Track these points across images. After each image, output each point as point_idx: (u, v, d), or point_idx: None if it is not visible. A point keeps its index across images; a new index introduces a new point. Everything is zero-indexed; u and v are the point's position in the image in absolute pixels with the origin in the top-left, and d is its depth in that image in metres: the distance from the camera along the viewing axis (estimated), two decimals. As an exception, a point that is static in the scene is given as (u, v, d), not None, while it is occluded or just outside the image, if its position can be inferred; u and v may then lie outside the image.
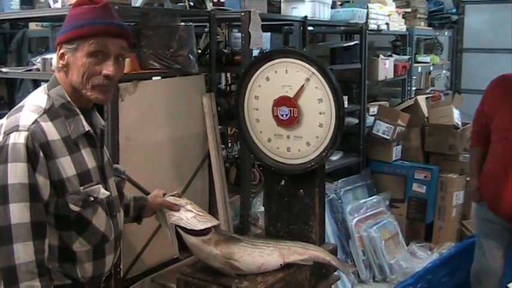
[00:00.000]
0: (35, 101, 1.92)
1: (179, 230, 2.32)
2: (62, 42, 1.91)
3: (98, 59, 1.89)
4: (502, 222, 3.51)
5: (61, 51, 1.92)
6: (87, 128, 1.94)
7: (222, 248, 2.34)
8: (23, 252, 1.76)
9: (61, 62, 1.92)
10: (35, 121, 1.83)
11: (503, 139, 3.48)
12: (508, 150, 3.43)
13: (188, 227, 2.31)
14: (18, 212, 1.76)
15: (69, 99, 1.93)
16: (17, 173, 1.77)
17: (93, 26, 1.88)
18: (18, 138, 1.79)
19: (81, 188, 1.89)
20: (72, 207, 1.87)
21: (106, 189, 2.00)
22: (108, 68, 1.90)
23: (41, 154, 1.80)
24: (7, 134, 1.81)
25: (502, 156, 3.48)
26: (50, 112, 1.88)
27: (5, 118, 1.91)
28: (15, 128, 1.81)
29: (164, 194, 2.41)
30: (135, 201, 2.39)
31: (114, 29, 1.92)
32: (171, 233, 2.35)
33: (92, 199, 1.92)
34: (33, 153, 1.79)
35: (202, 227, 2.32)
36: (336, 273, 2.70)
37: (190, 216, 2.33)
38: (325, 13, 4.91)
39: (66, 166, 1.86)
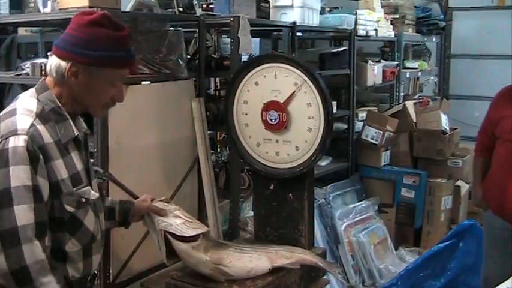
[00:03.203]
0: (26, 105, 1.94)
1: (168, 236, 2.32)
2: (80, 63, 1.91)
3: (114, 86, 1.99)
4: (509, 228, 3.54)
5: (75, 69, 1.92)
6: (76, 132, 1.98)
7: (211, 254, 2.34)
8: (31, 252, 1.79)
9: (73, 79, 1.93)
10: (32, 124, 1.86)
11: (506, 141, 3.54)
12: (511, 151, 3.49)
13: (178, 233, 2.31)
14: (24, 214, 1.79)
15: (59, 104, 1.96)
16: (19, 175, 1.80)
17: (120, 58, 1.95)
18: (18, 142, 1.82)
19: (74, 189, 1.93)
20: (68, 207, 1.91)
21: None
22: (121, 97, 2.03)
23: (41, 156, 1.84)
24: (5, 138, 1.84)
25: (505, 157, 3.54)
26: (41, 116, 1.91)
27: None
28: (14, 132, 1.84)
29: (152, 200, 2.42)
30: (121, 205, 2.40)
31: (133, 61, 2.05)
32: (159, 239, 2.34)
33: (84, 200, 1.96)
34: (34, 155, 1.82)
35: (192, 234, 2.32)
36: (325, 277, 2.71)
37: (179, 222, 2.33)
38: (314, 19, 4.92)
39: (60, 168, 1.90)
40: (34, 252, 1.79)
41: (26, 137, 1.82)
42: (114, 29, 1.94)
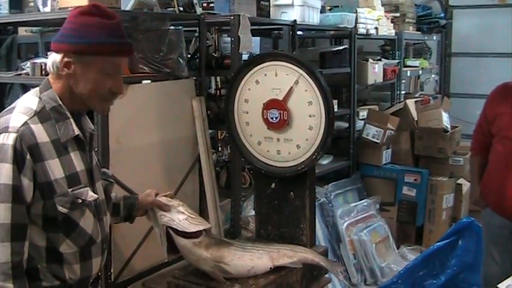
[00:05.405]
0: (26, 103, 1.92)
1: (170, 231, 2.31)
2: (72, 52, 1.89)
3: (109, 77, 1.92)
4: (508, 225, 3.53)
5: (67, 59, 1.89)
6: (76, 131, 1.94)
7: (212, 252, 2.34)
8: None
9: (66, 70, 1.90)
10: (25, 123, 1.84)
11: (504, 138, 3.52)
12: (509, 148, 3.47)
13: (180, 229, 2.30)
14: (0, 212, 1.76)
15: (60, 103, 1.93)
16: (2, 173, 1.77)
17: (113, 45, 1.90)
18: (7, 140, 1.79)
19: (70, 190, 1.89)
20: (60, 208, 1.87)
21: (94, 192, 2.00)
22: (119, 88, 1.96)
23: (28, 156, 1.80)
24: None
25: (503, 154, 3.52)
26: (41, 114, 1.89)
27: None
28: (5, 130, 1.82)
29: (156, 194, 2.39)
30: (125, 200, 2.38)
31: (128, 49, 1.98)
32: (161, 234, 2.33)
33: (80, 201, 1.92)
34: (20, 155, 1.79)
35: (193, 230, 2.31)
36: (327, 275, 2.71)
37: (182, 218, 2.32)
38: (314, 17, 4.92)
39: (55, 168, 1.86)
40: (1, 253, 1.76)
41: (15, 135, 1.80)
42: (105, 17, 1.92)
